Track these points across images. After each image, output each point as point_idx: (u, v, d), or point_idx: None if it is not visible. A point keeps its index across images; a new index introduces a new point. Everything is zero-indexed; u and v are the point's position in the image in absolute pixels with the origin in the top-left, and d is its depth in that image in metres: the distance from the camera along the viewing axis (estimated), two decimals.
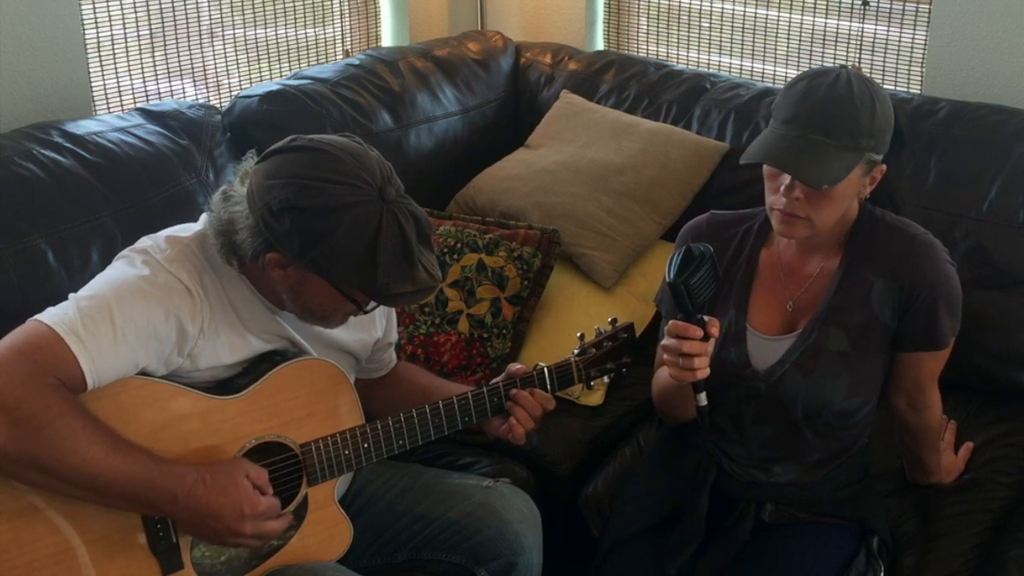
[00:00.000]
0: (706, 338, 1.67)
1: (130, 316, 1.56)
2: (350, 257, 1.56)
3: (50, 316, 1.53)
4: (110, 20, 2.56)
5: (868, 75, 1.76)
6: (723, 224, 1.93)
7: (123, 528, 1.60)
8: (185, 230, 1.71)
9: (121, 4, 2.58)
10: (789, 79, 1.79)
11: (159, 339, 1.59)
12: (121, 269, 1.63)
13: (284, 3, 2.96)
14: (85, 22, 2.49)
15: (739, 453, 1.89)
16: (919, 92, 2.68)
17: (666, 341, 1.69)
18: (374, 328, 1.92)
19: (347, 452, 1.74)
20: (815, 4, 2.89)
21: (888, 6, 2.76)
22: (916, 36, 2.73)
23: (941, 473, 2.02)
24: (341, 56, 3.16)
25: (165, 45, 2.70)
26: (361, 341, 1.89)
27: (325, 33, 3.12)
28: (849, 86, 1.68)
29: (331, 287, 1.62)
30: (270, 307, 1.73)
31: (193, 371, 1.66)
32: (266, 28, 2.94)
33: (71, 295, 1.59)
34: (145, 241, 1.69)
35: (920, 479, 2.03)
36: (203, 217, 1.71)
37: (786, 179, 1.71)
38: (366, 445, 1.76)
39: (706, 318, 1.68)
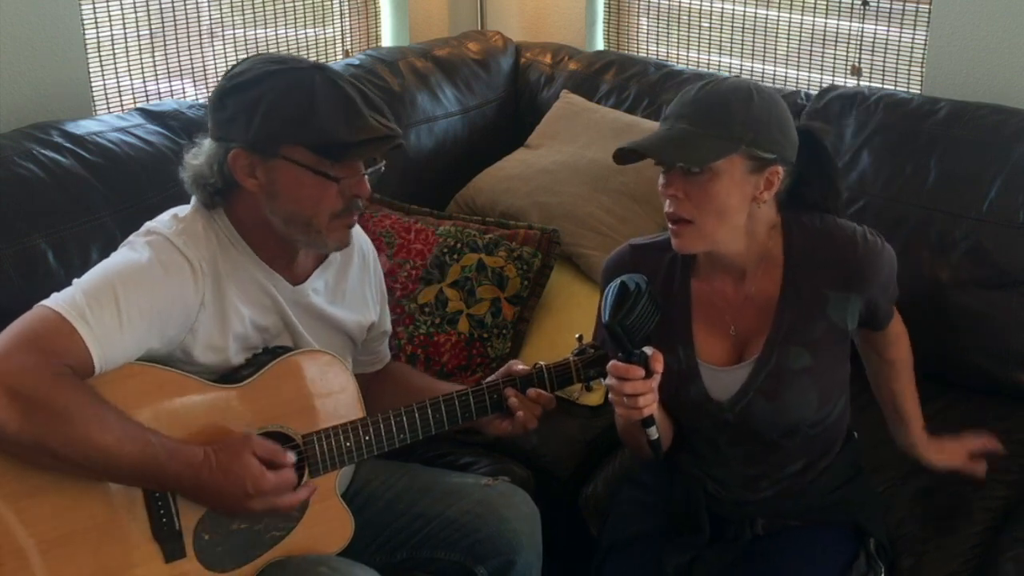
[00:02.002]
0: (649, 375, 1.63)
1: (134, 299, 1.57)
2: (288, 112, 1.62)
3: (56, 301, 1.55)
4: (110, 20, 2.57)
5: (768, 84, 1.74)
6: (645, 252, 1.87)
7: (125, 515, 1.60)
8: (185, 208, 1.74)
9: (121, 4, 2.58)
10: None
11: (163, 319, 1.61)
12: (124, 254, 1.66)
13: (284, 3, 2.97)
14: (85, 22, 2.49)
15: (722, 473, 1.86)
16: (919, 92, 2.68)
17: (609, 381, 1.65)
18: (368, 311, 1.93)
19: (348, 444, 1.75)
20: (815, 4, 2.89)
21: (888, 6, 2.76)
22: (916, 36, 2.73)
23: (919, 419, 1.95)
24: (341, 56, 3.16)
25: (165, 45, 2.71)
26: (357, 323, 1.90)
27: (325, 33, 3.12)
28: (726, 84, 1.68)
29: (293, 166, 1.64)
30: (266, 271, 1.74)
31: (193, 349, 1.67)
32: (266, 28, 2.94)
33: (75, 280, 1.60)
34: (149, 223, 1.71)
35: (901, 433, 1.96)
36: (183, 177, 1.75)
37: (665, 180, 1.69)
38: (367, 437, 1.76)
39: (648, 352, 1.63)
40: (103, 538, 1.59)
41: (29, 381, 1.47)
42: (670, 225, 1.72)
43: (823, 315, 1.77)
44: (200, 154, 1.72)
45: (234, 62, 2.83)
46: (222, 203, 1.72)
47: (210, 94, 1.71)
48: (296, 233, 1.70)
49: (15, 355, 1.48)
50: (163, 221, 1.71)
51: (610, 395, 1.66)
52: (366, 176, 1.71)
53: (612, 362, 1.64)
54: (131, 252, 1.65)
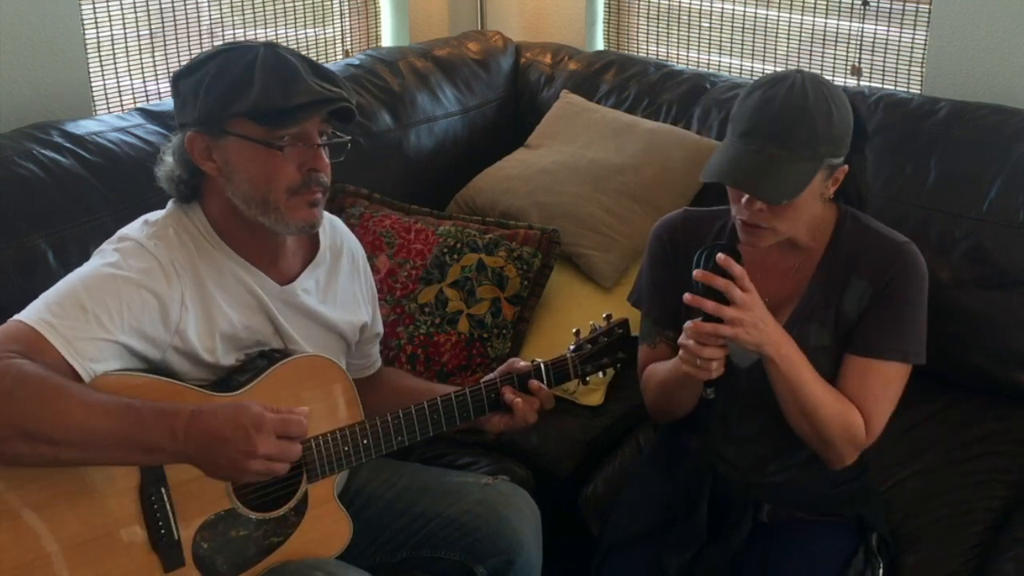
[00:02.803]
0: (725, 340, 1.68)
1: (100, 300, 1.56)
2: (229, 84, 1.62)
3: (23, 315, 1.55)
4: (110, 20, 2.57)
5: (822, 77, 1.74)
6: (698, 221, 1.93)
7: (123, 526, 1.60)
8: (158, 213, 1.74)
9: (121, 4, 2.58)
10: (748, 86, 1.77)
11: (136, 318, 1.59)
12: (91, 262, 1.66)
13: (284, 3, 2.97)
14: (85, 22, 2.49)
15: (732, 453, 1.89)
16: (919, 92, 2.68)
17: (684, 341, 1.69)
18: (359, 310, 1.92)
19: (346, 448, 1.74)
20: (815, 4, 2.89)
21: (888, 6, 2.76)
22: (916, 36, 2.73)
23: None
24: (341, 56, 3.17)
25: (165, 45, 2.71)
26: (349, 322, 1.89)
27: (325, 33, 3.12)
28: (804, 94, 1.67)
29: (244, 141, 1.63)
30: (248, 269, 1.73)
31: (186, 354, 1.66)
32: (266, 28, 2.94)
33: (41, 294, 1.60)
34: (121, 230, 1.71)
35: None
36: (170, 203, 1.76)
37: (748, 197, 1.71)
38: (365, 441, 1.76)
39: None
40: (102, 550, 1.58)
41: None
42: (743, 226, 1.75)
43: (839, 300, 1.80)
44: (169, 149, 1.74)
45: None
46: (195, 197, 1.73)
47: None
48: (258, 214, 1.68)
49: None
50: (134, 227, 1.71)
51: (680, 353, 1.71)
52: (323, 148, 1.68)
53: (695, 323, 1.68)
54: (99, 259, 1.65)
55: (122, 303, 1.58)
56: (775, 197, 1.68)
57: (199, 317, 1.67)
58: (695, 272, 1.67)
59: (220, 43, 1.74)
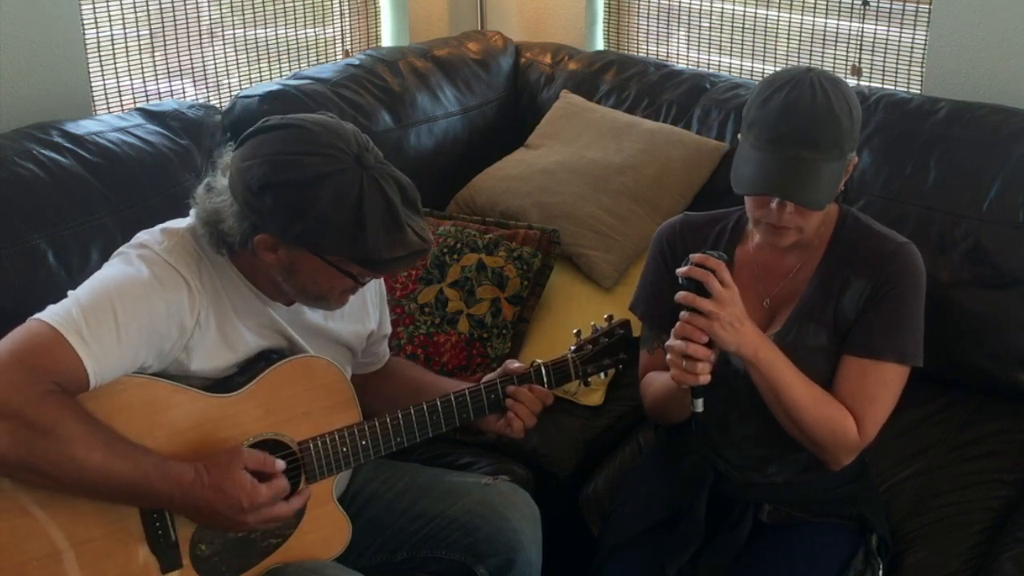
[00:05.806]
0: (712, 344, 1.68)
1: (132, 314, 1.56)
2: (336, 227, 1.57)
3: (52, 315, 1.53)
4: (110, 20, 2.57)
5: (833, 73, 1.76)
6: (697, 226, 1.94)
7: (121, 526, 1.60)
8: (179, 223, 1.71)
9: (121, 4, 2.58)
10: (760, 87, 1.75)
11: (160, 335, 1.60)
12: (119, 267, 1.63)
13: (284, 3, 2.96)
14: (85, 22, 2.49)
15: (732, 454, 1.90)
16: (919, 92, 2.68)
17: (672, 342, 1.69)
18: (368, 319, 1.92)
19: (345, 449, 1.74)
20: (815, 4, 2.89)
21: (888, 6, 2.76)
22: (916, 36, 2.73)
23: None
24: (341, 56, 3.17)
25: (165, 45, 2.71)
26: (355, 333, 1.89)
27: (325, 33, 3.13)
28: (827, 95, 1.68)
29: (323, 262, 1.61)
30: (262, 298, 1.73)
31: (189, 366, 1.66)
32: (266, 28, 2.94)
33: (70, 292, 1.59)
34: (142, 235, 1.69)
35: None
36: (192, 211, 1.71)
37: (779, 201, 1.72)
38: (364, 442, 1.76)
39: None
40: (100, 551, 1.59)
41: (16, 400, 1.45)
42: (769, 227, 1.76)
43: (839, 299, 1.81)
44: (217, 200, 1.64)
45: (234, 63, 2.86)
46: (227, 250, 1.68)
47: (244, 170, 1.59)
48: (304, 300, 1.71)
49: (5, 372, 1.47)
50: (155, 236, 1.68)
51: (668, 357, 1.70)
52: None
53: (681, 323, 1.69)
54: (126, 266, 1.63)
55: (151, 323, 1.58)
56: (817, 203, 1.69)
57: (215, 337, 1.67)
58: (678, 270, 1.68)
59: (303, 144, 1.58)
